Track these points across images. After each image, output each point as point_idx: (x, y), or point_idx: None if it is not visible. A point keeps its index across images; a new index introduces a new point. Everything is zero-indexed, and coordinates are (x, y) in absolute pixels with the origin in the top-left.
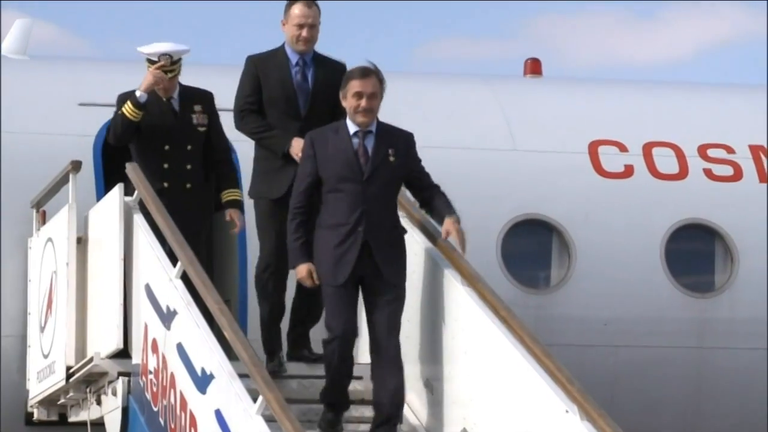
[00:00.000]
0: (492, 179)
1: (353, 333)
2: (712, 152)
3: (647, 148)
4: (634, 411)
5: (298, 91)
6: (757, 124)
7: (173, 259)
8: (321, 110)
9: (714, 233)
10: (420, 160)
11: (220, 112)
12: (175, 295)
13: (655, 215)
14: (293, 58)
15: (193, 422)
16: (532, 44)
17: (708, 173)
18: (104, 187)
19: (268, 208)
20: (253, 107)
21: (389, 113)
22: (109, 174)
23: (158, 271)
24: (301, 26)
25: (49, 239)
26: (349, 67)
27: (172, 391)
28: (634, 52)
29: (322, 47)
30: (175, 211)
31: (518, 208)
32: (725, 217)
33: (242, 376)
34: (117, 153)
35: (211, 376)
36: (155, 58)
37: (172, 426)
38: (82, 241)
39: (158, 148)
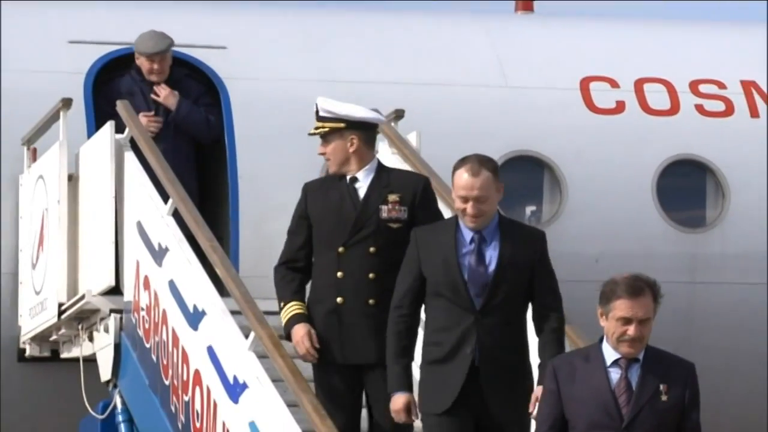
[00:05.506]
0: (483, 116)
1: None
2: (703, 88)
3: (638, 84)
4: None
5: (469, 277)
6: (748, 60)
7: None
8: (505, 299)
9: (705, 168)
10: (697, 404)
11: None
12: (166, 232)
13: (646, 151)
14: (467, 235)
15: (185, 358)
16: None
17: (699, 109)
18: (95, 124)
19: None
20: (409, 312)
21: (376, 49)
22: (100, 111)
23: (150, 209)
24: (465, 199)
25: (40, 176)
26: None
27: (164, 327)
28: None
29: None
30: (348, 336)
31: (509, 144)
32: (716, 153)
33: (234, 312)
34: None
35: (203, 313)
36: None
37: (165, 362)
38: (73, 179)
39: (330, 248)
